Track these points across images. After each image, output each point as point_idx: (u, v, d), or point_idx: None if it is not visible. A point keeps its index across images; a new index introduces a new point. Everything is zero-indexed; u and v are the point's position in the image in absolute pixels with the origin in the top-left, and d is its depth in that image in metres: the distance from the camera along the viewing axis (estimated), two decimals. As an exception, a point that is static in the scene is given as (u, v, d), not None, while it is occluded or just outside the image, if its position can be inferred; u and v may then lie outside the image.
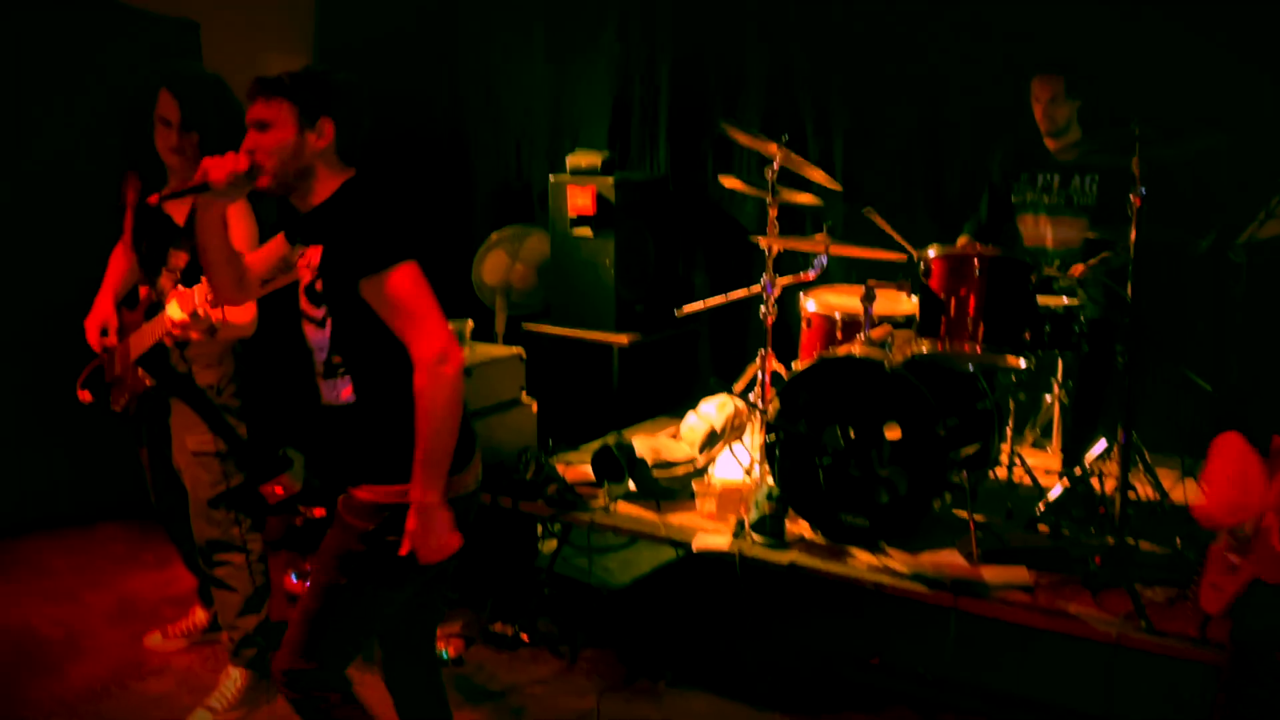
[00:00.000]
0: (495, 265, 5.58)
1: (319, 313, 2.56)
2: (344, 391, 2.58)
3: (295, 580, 4.35)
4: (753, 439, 4.53)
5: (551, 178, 5.61)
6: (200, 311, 2.96)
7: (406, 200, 2.57)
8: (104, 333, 3.61)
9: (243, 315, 3.34)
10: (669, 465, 4.44)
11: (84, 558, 4.72)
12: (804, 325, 4.56)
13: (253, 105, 2.55)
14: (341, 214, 2.54)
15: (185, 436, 3.52)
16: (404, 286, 2.45)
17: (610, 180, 5.38)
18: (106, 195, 3.84)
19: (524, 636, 4.10)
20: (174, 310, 2.97)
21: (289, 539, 4.84)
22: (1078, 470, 4.15)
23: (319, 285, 2.54)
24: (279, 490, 5.23)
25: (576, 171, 5.50)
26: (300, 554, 4.70)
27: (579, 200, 5.38)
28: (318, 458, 2.73)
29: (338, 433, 2.63)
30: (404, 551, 2.48)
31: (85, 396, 3.62)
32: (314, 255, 2.55)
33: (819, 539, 3.92)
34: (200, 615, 4.06)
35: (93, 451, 5.02)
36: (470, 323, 4.67)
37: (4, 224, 4.97)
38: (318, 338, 2.59)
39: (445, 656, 3.94)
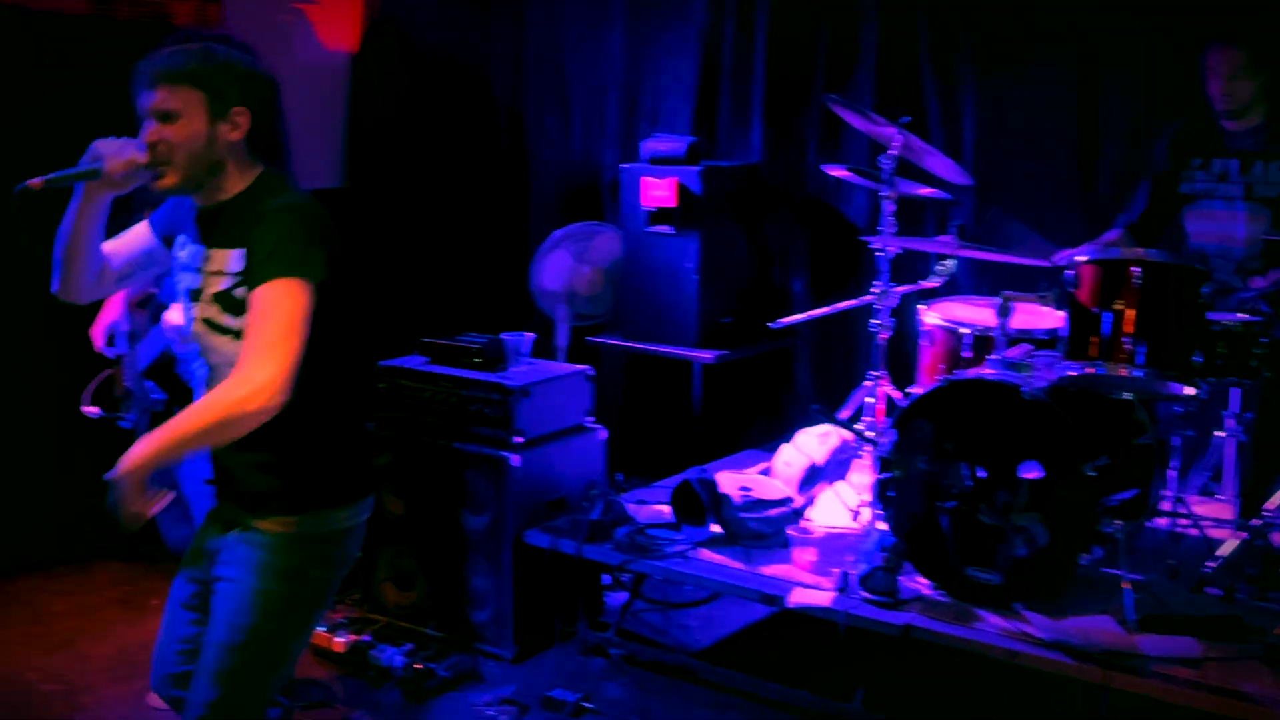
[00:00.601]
0: (558, 268, 5.62)
1: (238, 323, 2.62)
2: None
3: (323, 632, 4.41)
4: (861, 477, 4.52)
5: (625, 166, 5.64)
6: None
7: (322, 210, 2.68)
8: (111, 340, 3.70)
9: None
10: (760, 506, 4.43)
11: (83, 600, 4.82)
12: (924, 342, 4.55)
13: (155, 92, 2.60)
14: (266, 215, 2.62)
15: (196, 462, 3.58)
16: (279, 302, 2.55)
17: (695, 169, 5.39)
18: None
19: (586, 704, 4.11)
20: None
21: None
22: (1256, 521, 4.08)
23: (239, 293, 2.62)
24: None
25: (655, 159, 5.53)
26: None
27: (657, 192, 5.42)
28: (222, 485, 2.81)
29: (238, 467, 2.75)
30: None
31: (92, 411, 3.71)
32: (227, 259, 2.65)
33: (941, 597, 3.89)
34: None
35: (92, 483, 5.11)
36: (531, 337, 4.71)
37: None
38: (230, 350, 2.64)
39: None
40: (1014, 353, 4.17)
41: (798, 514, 4.48)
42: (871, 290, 4.56)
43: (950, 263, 4.58)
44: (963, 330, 4.40)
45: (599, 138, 6.38)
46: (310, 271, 2.57)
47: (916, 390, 4.20)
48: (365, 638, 4.37)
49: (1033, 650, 3.60)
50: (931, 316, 4.55)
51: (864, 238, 4.65)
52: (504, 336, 4.59)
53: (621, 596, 4.66)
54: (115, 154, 2.60)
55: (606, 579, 4.75)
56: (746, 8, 5.91)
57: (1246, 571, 3.99)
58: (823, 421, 4.79)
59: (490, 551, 4.39)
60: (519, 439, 4.38)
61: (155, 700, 4.06)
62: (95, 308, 3.77)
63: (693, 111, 6.07)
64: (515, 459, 4.35)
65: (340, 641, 4.37)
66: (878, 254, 4.53)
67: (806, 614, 3.87)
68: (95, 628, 4.61)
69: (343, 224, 6.10)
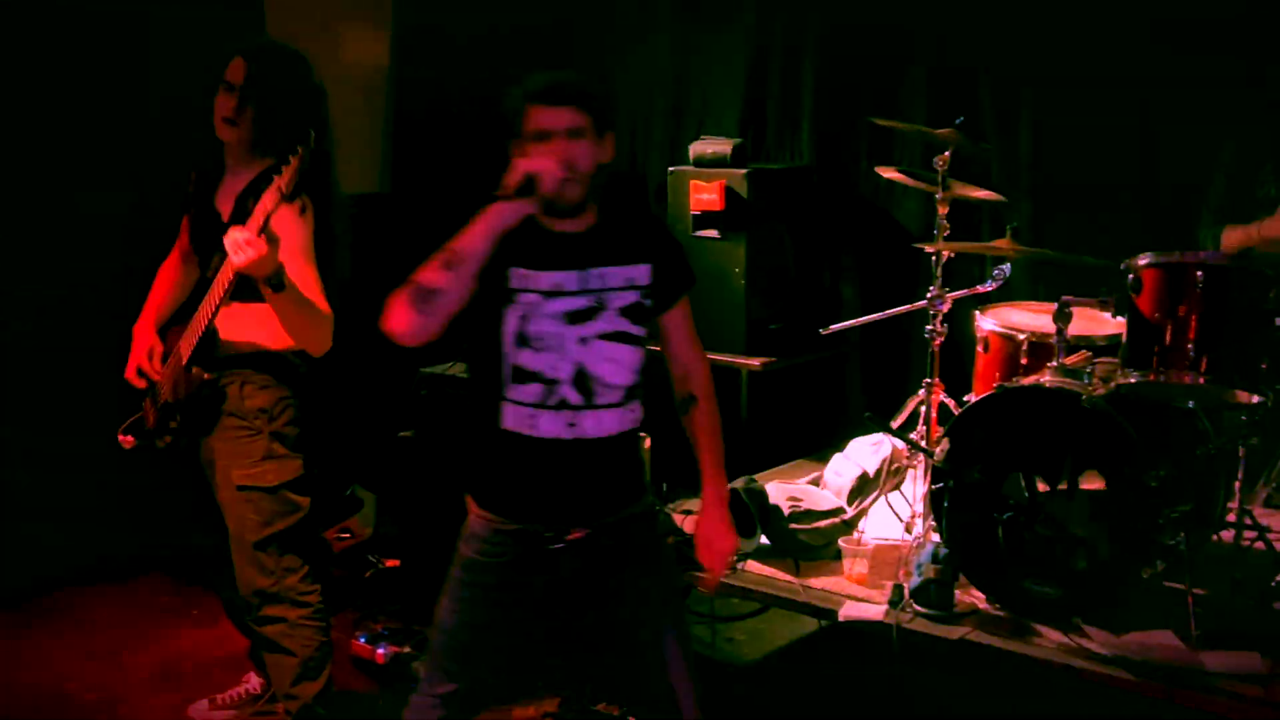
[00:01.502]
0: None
1: (643, 331, 2.96)
2: (630, 419, 3.01)
3: (364, 643, 4.42)
4: (915, 488, 4.50)
5: (671, 169, 5.66)
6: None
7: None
8: (142, 373, 3.72)
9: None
10: (810, 517, 4.43)
11: (125, 613, 4.87)
12: (980, 349, 4.54)
13: (563, 109, 2.85)
14: (662, 232, 3.12)
15: (231, 469, 3.61)
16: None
17: (742, 172, 5.40)
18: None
19: (632, 719, 4.11)
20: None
21: (356, 594, 4.94)
22: (1326, 534, 4.03)
23: (648, 303, 2.96)
24: (345, 536, 5.34)
25: (701, 161, 5.53)
26: (369, 612, 4.79)
27: (704, 195, 5.41)
28: (564, 495, 2.96)
29: (608, 473, 3.03)
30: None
31: (127, 442, 3.75)
32: (631, 275, 2.93)
33: (996, 611, 3.87)
34: (254, 681, 4.15)
35: (136, 498, 5.18)
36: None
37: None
38: (632, 359, 2.95)
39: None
40: (1073, 360, 4.14)
41: (849, 525, 4.47)
42: (925, 295, 4.54)
43: (1006, 266, 4.55)
44: (1019, 336, 4.37)
45: (645, 140, 6.40)
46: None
47: (971, 398, 4.19)
48: (406, 648, 4.38)
49: (1092, 666, 3.57)
50: (986, 322, 4.53)
51: (917, 242, 4.62)
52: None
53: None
54: (542, 171, 2.77)
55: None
56: (798, 11, 5.91)
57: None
58: (875, 430, 4.77)
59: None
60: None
61: (197, 713, 4.11)
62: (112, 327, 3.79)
63: (741, 114, 6.07)
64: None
65: (381, 653, 4.39)
66: (931, 258, 4.52)
67: (857, 627, 3.87)
68: (136, 639, 4.65)
69: (386, 229, 6.20)
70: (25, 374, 5.23)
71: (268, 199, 3.24)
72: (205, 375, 3.57)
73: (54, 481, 5.25)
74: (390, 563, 5.06)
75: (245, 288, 3.38)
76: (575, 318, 2.87)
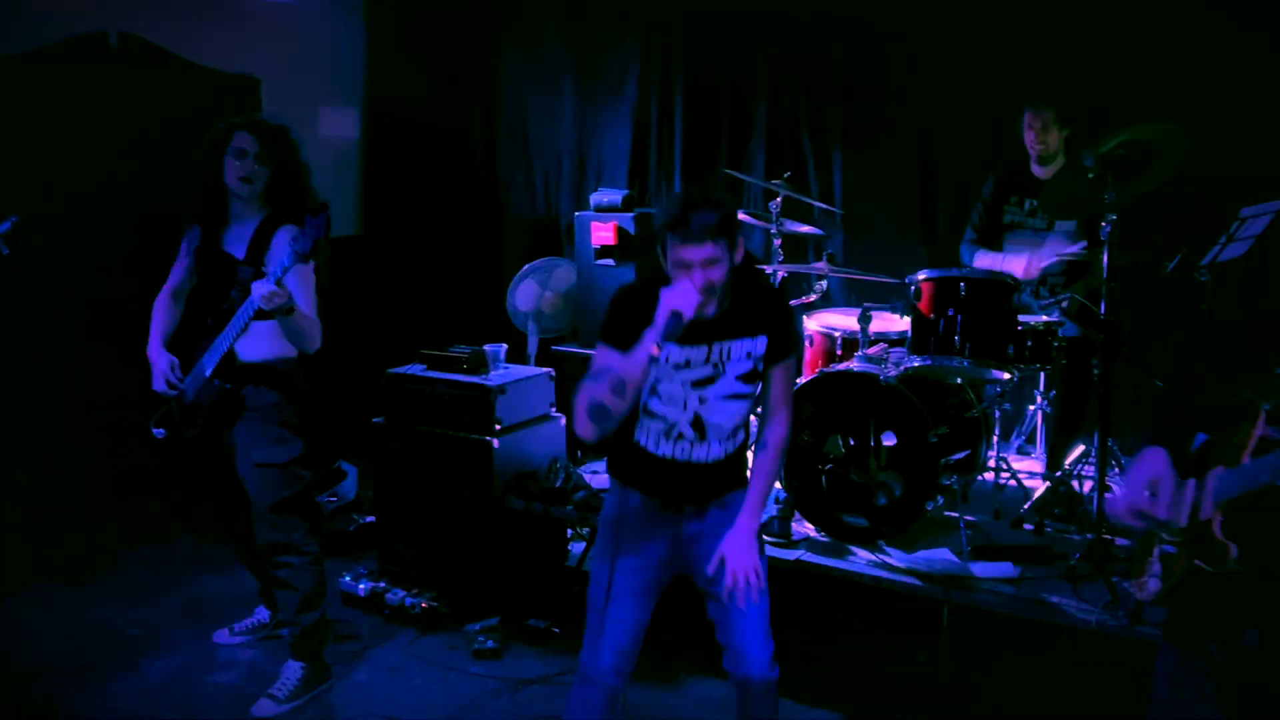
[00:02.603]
0: (527, 294, 5.64)
1: (753, 390, 2.77)
2: (734, 445, 2.83)
3: (349, 580, 4.40)
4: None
5: (577, 214, 5.65)
6: None
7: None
8: (168, 382, 3.65)
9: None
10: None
11: (161, 565, 4.75)
12: (808, 344, 4.57)
13: (704, 245, 2.55)
14: (770, 307, 2.78)
15: (250, 449, 3.58)
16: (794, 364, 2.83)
17: (631, 215, 5.40)
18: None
19: (555, 630, 4.12)
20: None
21: (343, 544, 4.90)
22: (1060, 473, 4.16)
23: (759, 368, 2.74)
24: (334, 499, 5.29)
25: (600, 208, 5.53)
26: (354, 557, 4.75)
27: (602, 234, 5.41)
28: (689, 493, 2.84)
29: (714, 479, 2.83)
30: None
31: (159, 431, 3.68)
32: (748, 345, 2.72)
33: (822, 538, 3.93)
34: (263, 613, 4.11)
35: (164, 480, 5.03)
36: (505, 347, 4.72)
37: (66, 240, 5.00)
38: (740, 411, 2.77)
39: (485, 647, 3.97)
40: (873, 350, 4.21)
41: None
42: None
43: (824, 283, 4.62)
44: (835, 334, 4.43)
45: (556, 192, 6.38)
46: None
47: (802, 380, 4.20)
48: (381, 584, 4.36)
49: (892, 576, 3.66)
50: (812, 324, 4.57)
51: (760, 265, 4.68)
52: (485, 347, 4.57)
53: (580, 546, 4.67)
54: (687, 304, 2.53)
55: (569, 532, 4.77)
56: (666, 91, 5.94)
57: (1053, 511, 4.09)
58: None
59: (479, 514, 4.38)
60: (498, 426, 4.37)
61: (219, 638, 4.07)
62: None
63: (628, 170, 6.08)
64: (496, 442, 4.34)
65: (362, 589, 4.36)
66: (771, 276, 4.57)
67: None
68: (171, 584, 4.56)
69: (361, 262, 6.10)
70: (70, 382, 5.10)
71: (285, 256, 3.20)
72: (227, 385, 3.53)
73: (98, 468, 5.15)
74: (368, 520, 5.01)
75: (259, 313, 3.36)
76: (699, 384, 2.73)
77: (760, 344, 2.73)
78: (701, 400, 2.74)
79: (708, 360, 2.71)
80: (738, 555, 2.69)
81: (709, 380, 2.73)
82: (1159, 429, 2.28)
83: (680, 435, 2.78)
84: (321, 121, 6.36)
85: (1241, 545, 2.13)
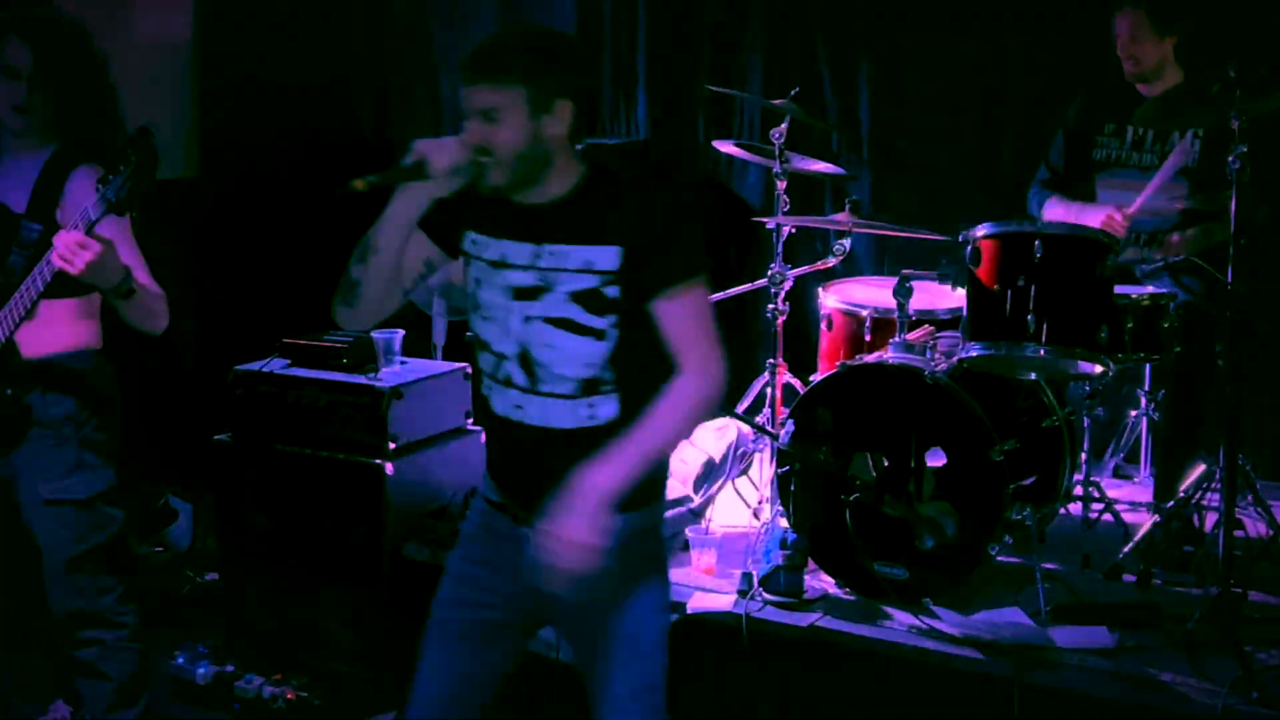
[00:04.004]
0: (431, 259, 5.62)
1: (603, 322, 2.68)
2: (585, 417, 2.73)
3: (182, 663, 4.37)
4: (761, 472, 4.58)
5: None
6: None
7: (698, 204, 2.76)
8: None
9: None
10: (657, 508, 4.48)
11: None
12: (824, 326, 4.62)
13: (475, 88, 2.62)
14: (648, 211, 2.70)
15: (37, 483, 3.54)
16: (704, 301, 2.73)
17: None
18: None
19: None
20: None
21: (173, 611, 4.87)
22: (1172, 503, 4.21)
23: (610, 291, 2.67)
24: (160, 550, 5.26)
25: (533, 138, 5.54)
26: (188, 631, 4.72)
27: (537, 174, 5.42)
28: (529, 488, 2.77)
29: (561, 465, 2.69)
30: None
31: None
32: (590, 256, 2.67)
33: (846, 595, 3.96)
34: (62, 709, 4.08)
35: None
36: (401, 333, 4.70)
37: None
38: (585, 351, 2.70)
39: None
40: (915, 335, 4.25)
41: (696, 514, 4.52)
42: (767, 273, 4.62)
43: (846, 241, 4.65)
44: (862, 313, 4.47)
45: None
46: (707, 266, 2.73)
47: (816, 378, 4.25)
48: (229, 668, 4.34)
49: (943, 648, 3.68)
50: (830, 299, 4.62)
51: (757, 217, 4.70)
52: (373, 334, 4.56)
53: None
54: (438, 152, 2.64)
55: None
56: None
57: (1163, 556, 4.12)
58: (719, 415, 4.85)
59: (366, 567, 4.38)
60: (393, 445, 4.37)
61: None
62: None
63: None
64: (389, 466, 4.34)
65: (201, 674, 4.34)
66: (772, 233, 4.59)
67: (708, 619, 3.92)
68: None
69: (196, 215, 6.07)
70: None
71: (90, 205, 3.15)
72: (6, 391, 3.49)
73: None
74: (209, 577, 5.00)
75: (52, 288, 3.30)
76: (522, 294, 2.73)
77: (609, 256, 2.67)
78: (527, 321, 2.72)
79: (532, 265, 2.72)
80: (569, 527, 2.56)
81: (534, 293, 2.71)
82: None
83: (509, 379, 2.76)
84: (139, 20, 6.28)
85: None
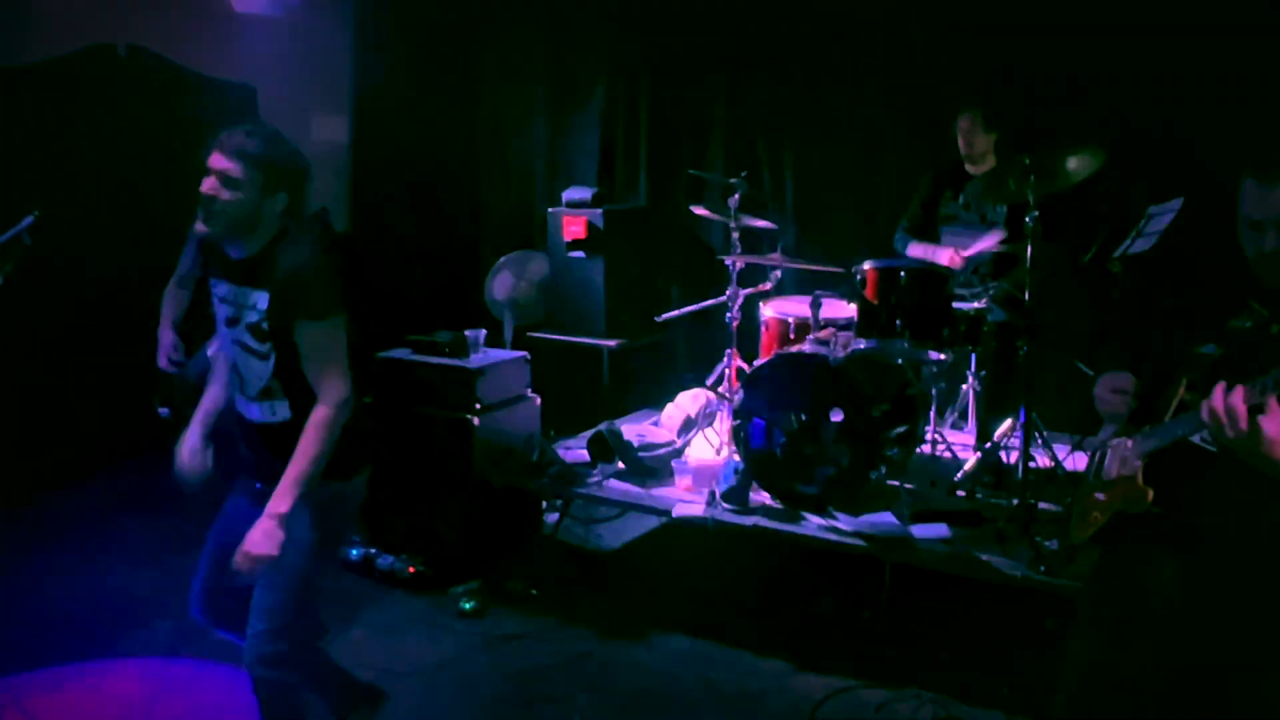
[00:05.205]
0: (504, 283, 5.64)
1: (265, 349, 2.54)
2: (270, 415, 2.59)
3: (344, 547, 4.36)
4: (722, 424, 4.57)
5: (550, 209, 5.67)
6: None
7: (339, 259, 2.58)
8: (171, 360, 3.63)
9: None
10: (652, 448, 4.51)
11: (159, 526, 4.69)
12: (763, 329, 4.60)
13: (227, 160, 2.47)
14: (286, 269, 2.50)
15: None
16: (328, 338, 2.51)
17: (599, 211, 5.42)
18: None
19: (533, 592, 4.14)
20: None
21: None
22: (989, 445, 4.25)
23: (265, 326, 2.51)
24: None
25: (571, 204, 5.55)
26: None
27: (574, 228, 5.43)
28: (251, 465, 2.68)
29: (263, 448, 2.61)
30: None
31: (164, 411, 3.66)
32: (256, 298, 2.52)
33: (777, 505, 3.96)
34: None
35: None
36: (484, 332, 4.74)
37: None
38: (259, 367, 2.56)
39: (467, 607, 4.00)
40: (823, 334, 4.24)
41: (678, 452, 4.52)
42: (726, 293, 4.61)
43: (778, 272, 4.66)
44: (788, 320, 4.46)
45: (530, 191, 6.39)
46: (339, 309, 2.53)
47: (758, 362, 4.25)
48: (372, 550, 4.36)
49: (840, 539, 3.71)
50: (767, 310, 4.60)
51: (720, 256, 4.71)
52: (466, 333, 4.56)
53: (554, 516, 4.66)
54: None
55: (544, 503, 4.76)
56: (632, 100, 5.95)
57: (983, 479, 4.16)
58: (694, 386, 4.89)
59: (461, 486, 4.38)
60: (479, 405, 4.37)
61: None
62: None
63: (597, 169, 6.09)
64: (476, 420, 4.35)
65: (354, 555, 4.36)
66: (729, 267, 4.60)
67: (686, 522, 3.94)
68: (180, 546, 4.48)
69: (348, 262, 6.01)
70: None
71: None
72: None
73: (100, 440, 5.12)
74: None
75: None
76: (229, 322, 2.58)
77: (262, 299, 2.49)
78: (233, 342, 2.57)
79: (232, 301, 2.55)
80: (251, 539, 2.44)
81: (233, 322, 2.56)
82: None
83: (237, 386, 2.62)
84: (314, 128, 6.31)
85: (1157, 489, 2.24)
